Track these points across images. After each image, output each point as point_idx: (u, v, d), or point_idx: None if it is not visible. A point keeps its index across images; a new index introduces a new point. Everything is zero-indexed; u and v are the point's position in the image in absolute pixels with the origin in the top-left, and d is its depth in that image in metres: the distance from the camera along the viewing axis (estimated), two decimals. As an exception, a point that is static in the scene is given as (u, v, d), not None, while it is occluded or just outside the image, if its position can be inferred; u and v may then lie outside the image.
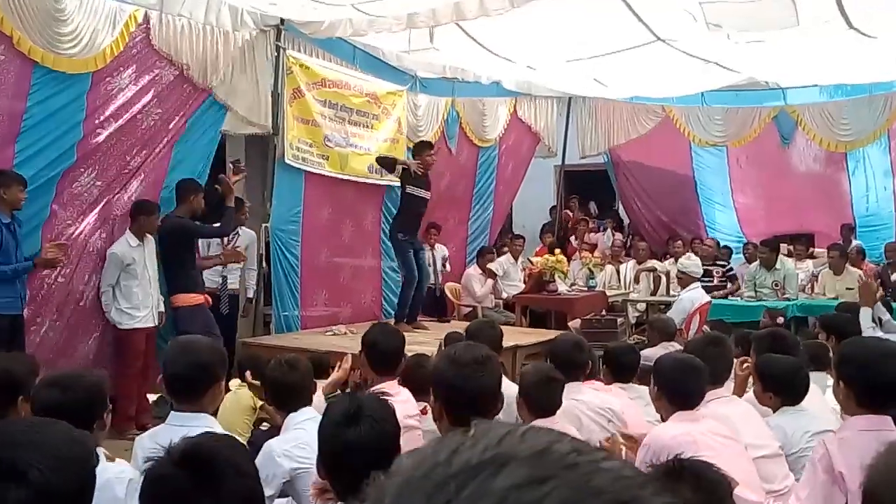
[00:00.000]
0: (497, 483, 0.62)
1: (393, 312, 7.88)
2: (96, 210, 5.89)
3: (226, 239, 6.93)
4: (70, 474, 1.52)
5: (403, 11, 5.59)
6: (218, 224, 6.37)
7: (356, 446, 1.99)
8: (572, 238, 11.70)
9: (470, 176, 9.95)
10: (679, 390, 3.21)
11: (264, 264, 7.27)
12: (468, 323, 6.00)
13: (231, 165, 6.99)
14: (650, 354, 5.23)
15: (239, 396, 4.63)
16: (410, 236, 7.52)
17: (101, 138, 5.77)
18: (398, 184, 7.61)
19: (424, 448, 0.67)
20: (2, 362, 3.17)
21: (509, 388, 3.10)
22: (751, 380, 3.85)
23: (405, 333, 4.06)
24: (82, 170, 5.73)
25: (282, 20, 6.80)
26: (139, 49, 5.93)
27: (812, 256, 10.11)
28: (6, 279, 5.11)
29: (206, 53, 6.36)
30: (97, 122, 5.74)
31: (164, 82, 6.14)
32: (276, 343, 6.76)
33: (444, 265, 9.36)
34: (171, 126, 6.26)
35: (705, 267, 9.12)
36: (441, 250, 9.35)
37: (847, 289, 8.35)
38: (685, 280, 7.50)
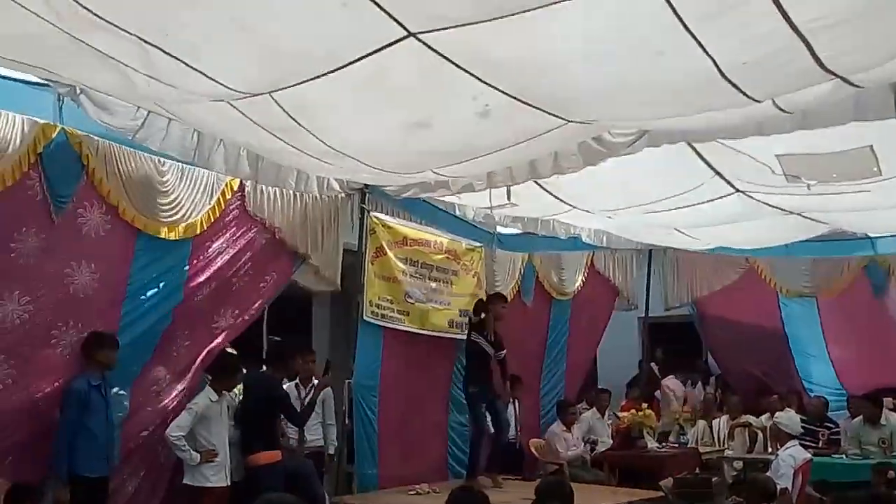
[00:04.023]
0: None
1: (459, 468, 7.78)
2: (185, 370, 5.98)
3: (303, 391, 7.01)
4: None
5: (482, 171, 5.77)
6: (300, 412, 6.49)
7: None
8: (657, 392, 11.34)
9: (542, 329, 9.88)
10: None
11: (347, 421, 7.25)
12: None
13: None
14: (751, 518, 4.91)
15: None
16: (481, 388, 7.47)
17: (198, 300, 6.00)
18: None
19: None
20: None
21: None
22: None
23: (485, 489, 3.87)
24: (177, 332, 5.91)
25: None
26: (235, 215, 6.26)
27: (920, 411, 9.48)
28: (91, 440, 5.03)
29: (295, 217, 6.68)
30: (197, 285, 5.98)
31: (257, 246, 6.42)
32: (359, 504, 6.63)
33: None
34: (261, 287, 6.48)
35: (811, 427, 8.67)
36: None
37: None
38: (782, 437, 7.09)
